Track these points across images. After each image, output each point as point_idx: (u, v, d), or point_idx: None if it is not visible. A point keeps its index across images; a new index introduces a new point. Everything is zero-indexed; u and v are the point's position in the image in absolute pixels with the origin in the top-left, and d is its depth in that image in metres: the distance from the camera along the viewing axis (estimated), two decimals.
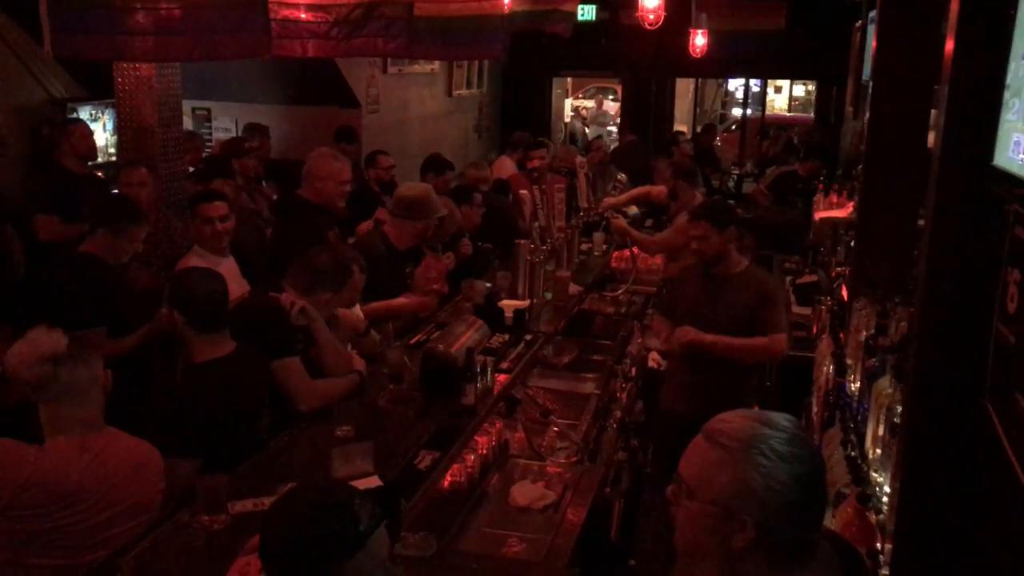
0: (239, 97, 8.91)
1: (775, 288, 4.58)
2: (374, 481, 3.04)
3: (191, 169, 6.48)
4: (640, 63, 13.11)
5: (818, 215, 7.46)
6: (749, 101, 16.48)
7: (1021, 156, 2.09)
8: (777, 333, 4.42)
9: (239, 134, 8.08)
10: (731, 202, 9.16)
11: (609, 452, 4.40)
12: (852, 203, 6.68)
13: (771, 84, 17.46)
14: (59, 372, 2.82)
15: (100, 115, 7.11)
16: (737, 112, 18.05)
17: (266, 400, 3.58)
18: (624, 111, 14.32)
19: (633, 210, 8.22)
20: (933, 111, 4.19)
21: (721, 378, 4.45)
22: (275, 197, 6.78)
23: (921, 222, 3.71)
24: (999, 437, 2.12)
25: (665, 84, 13.96)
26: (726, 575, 1.66)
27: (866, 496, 2.89)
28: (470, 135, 12.65)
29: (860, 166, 5.49)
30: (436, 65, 10.84)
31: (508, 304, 5.04)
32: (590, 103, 18.79)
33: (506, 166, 8.48)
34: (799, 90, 19.01)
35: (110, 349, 3.87)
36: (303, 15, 4.67)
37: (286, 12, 4.58)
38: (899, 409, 2.89)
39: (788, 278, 7.17)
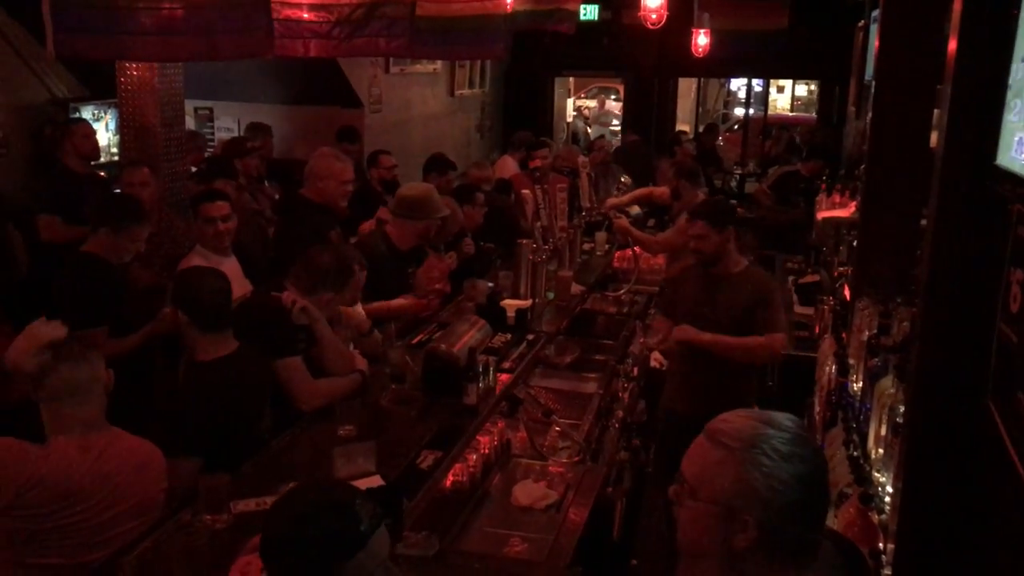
0: (241, 97, 8.92)
1: (773, 288, 4.57)
2: (376, 481, 3.04)
3: (193, 169, 6.48)
4: (642, 63, 13.11)
5: (820, 215, 7.45)
6: (751, 101, 16.46)
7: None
8: (774, 333, 4.42)
9: (241, 134, 8.08)
10: (733, 202, 9.17)
11: (611, 452, 4.40)
12: (854, 203, 6.66)
13: (773, 84, 17.43)
14: (60, 368, 2.82)
15: (102, 115, 7.12)
16: (739, 112, 18.03)
17: (268, 399, 3.58)
18: (626, 111, 14.31)
19: (635, 210, 8.22)
20: (936, 111, 4.18)
21: (721, 378, 4.45)
22: (277, 197, 6.78)
23: (924, 222, 3.70)
24: (1002, 437, 2.12)
25: (667, 84, 13.96)
26: (728, 575, 1.66)
27: (868, 496, 2.88)
28: (472, 135, 12.65)
29: (862, 166, 5.48)
30: (438, 65, 10.85)
31: (510, 304, 5.04)
32: (592, 103, 18.77)
33: (508, 166, 8.48)
34: (801, 90, 18.99)
35: (112, 348, 3.88)
36: (305, 15, 4.68)
37: (288, 12, 4.59)
38: (901, 409, 2.89)
39: (790, 278, 7.16)
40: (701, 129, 14.16)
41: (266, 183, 7.13)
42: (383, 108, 9.67)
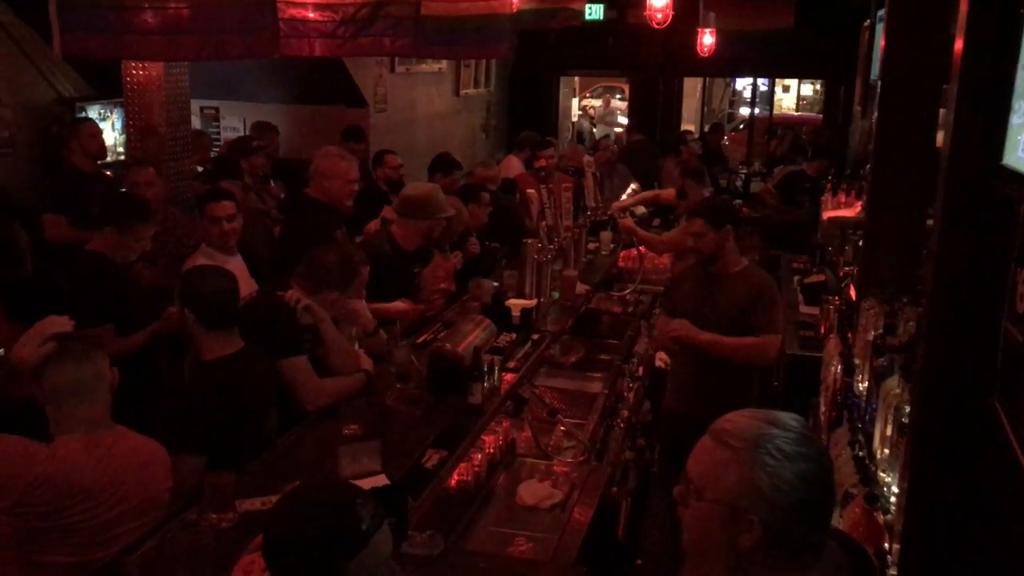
0: (247, 96, 8.93)
1: (771, 289, 4.55)
2: (381, 480, 3.04)
3: (199, 169, 6.49)
4: (648, 62, 13.10)
5: (826, 214, 7.43)
6: (757, 100, 16.43)
7: None
8: (769, 335, 4.40)
9: (247, 133, 8.09)
10: (738, 201, 9.17)
11: (616, 451, 4.40)
12: (860, 202, 6.65)
13: (779, 83, 17.43)
14: (64, 367, 2.83)
15: (109, 114, 7.14)
16: (745, 111, 18.00)
17: (273, 399, 3.58)
18: (632, 110, 14.31)
19: (641, 209, 8.21)
20: (942, 110, 4.17)
21: (720, 378, 4.43)
22: (283, 196, 6.79)
23: (930, 221, 3.70)
24: (1008, 437, 2.11)
25: (673, 83, 13.94)
26: (733, 575, 1.66)
27: (874, 496, 2.88)
28: (477, 134, 12.66)
29: (868, 165, 5.47)
30: (444, 64, 10.85)
31: (515, 303, 5.04)
32: (597, 102, 18.77)
33: (513, 165, 8.48)
34: (807, 89, 18.98)
35: (117, 347, 3.89)
36: (310, 14, 4.68)
37: (293, 11, 4.60)
38: (907, 409, 2.88)
39: (796, 278, 7.15)
40: (706, 128, 14.14)
41: (272, 182, 7.15)
42: (388, 108, 9.68)
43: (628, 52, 12.87)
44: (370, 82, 9.26)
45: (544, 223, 6.59)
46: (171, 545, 2.71)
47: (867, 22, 8.75)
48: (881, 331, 3.78)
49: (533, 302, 5.19)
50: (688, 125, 15.42)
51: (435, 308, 5.12)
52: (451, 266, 5.39)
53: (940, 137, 3.57)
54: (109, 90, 6.93)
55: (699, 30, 10.53)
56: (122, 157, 6.83)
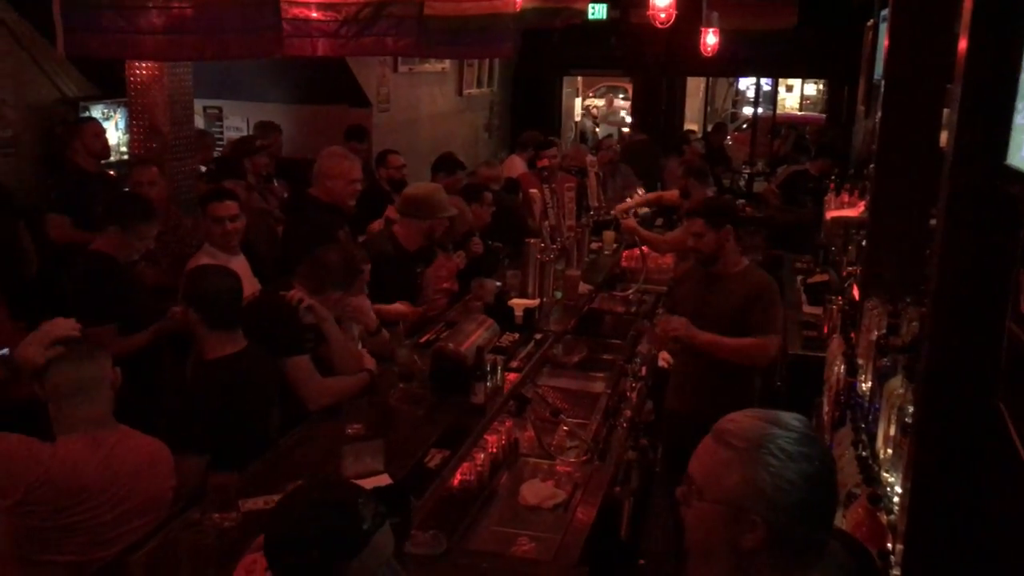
0: (250, 96, 8.94)
1: (770, 289, 4.53)
2: (384, 479, 3.05)
3: (203, 168, 6.49)
4: (651, 62, 13.09)
5: (829, 214, 7.42)
6: (760, 100, 16.44)
7: None
8: (766, 336, 4.39)
9: (250, 133, 8.10)
10: (741, 201, 9.17)
11: (619, 451, 4.39)
12: (863, 202, 6.64)
13: (782, 83, 17.41)
14: (66, 366, 2.83)
15: (112, 114, 7.14)
16: (748, 111, 18.00)
17: (276, 398, 3.59)
18: (635, 110, 14.30)
19: (644, 209, 8.21)
20: (945, 110, 4.17)
21: (720, 378, 4.42)
22: (286, 195, 6.79)
23: (933, 221, 3.69)
24: (1012, 438, 2.11)
25: (676, 83, 13.94)
26: (736, 575, 1.65)
27: (877, 496, 2.87)
28: (480, 134, 12.66)
29: (871, 165, 5.46)
30: (447, 64, 10.85)
31: (518, 303, 5.04)
32: (600, 102, 18.78)
33: (516, 165, 8.48)
34: (810, 89, 18.98)
35: (120, 347, 3.89)
36: (313, 14, 4.68)
37: (296, 11, 4.60)
38: (910, 409, 2.88)
39: (799, 277, 7.15)
40: (709, 128, 14.14)
41: (275, 182, 7.15)
42: (391, 107, 9.68)
43: (631, 52, 12.86)
44: (373, 82, 9.26)
45: (547, 223, 6.59)
46: (174, 544, 2.72)
47: (870, 22, 8.73)
48: (884, 331, 3.77)
49: (536, 302, 5.19)
50: (691, 125, 15.44)
51: (438, 308, 5.12)
52: (454, 266, 5.39)
53: (944, 137, 3.57)
54: (113, 90, 6.93)
55: (702, 30, 10.52)
56: (125, 157, 6.83)
